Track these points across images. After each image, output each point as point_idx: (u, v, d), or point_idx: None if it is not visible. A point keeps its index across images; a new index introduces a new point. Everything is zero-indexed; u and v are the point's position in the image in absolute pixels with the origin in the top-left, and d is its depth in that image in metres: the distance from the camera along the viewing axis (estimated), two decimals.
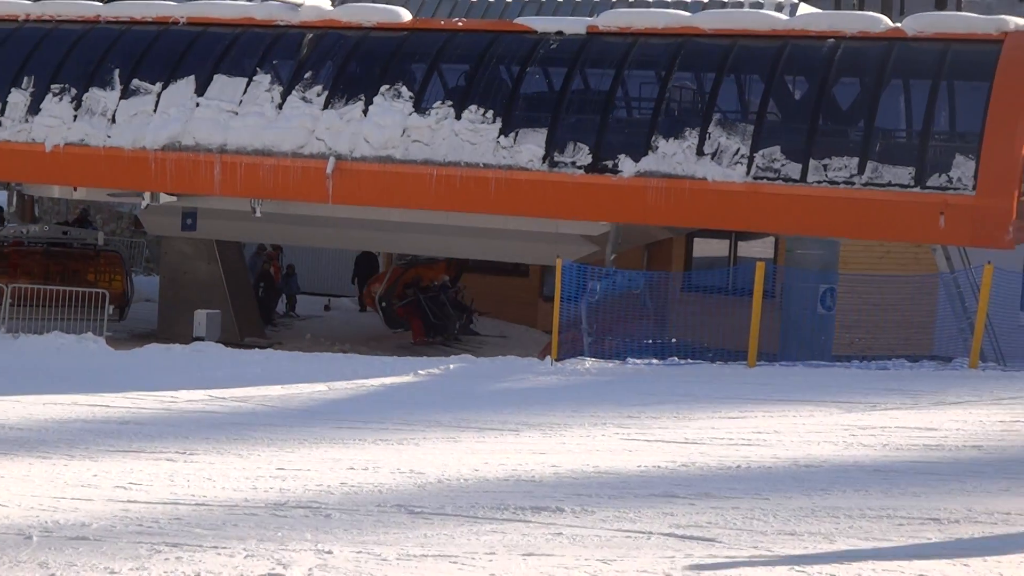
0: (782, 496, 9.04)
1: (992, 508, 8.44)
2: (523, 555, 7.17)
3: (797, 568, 6.58)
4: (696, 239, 23.73)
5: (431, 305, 24.46)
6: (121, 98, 22.43)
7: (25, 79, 23.46)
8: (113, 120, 22.32)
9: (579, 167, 20.26)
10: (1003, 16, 21.59)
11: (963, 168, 19.11)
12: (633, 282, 22.18)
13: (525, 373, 17.97)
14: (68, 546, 7.00)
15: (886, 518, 8.20)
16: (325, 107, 21.58)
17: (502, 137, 20.59)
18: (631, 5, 25.50)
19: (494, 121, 20.71)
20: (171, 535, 7.61)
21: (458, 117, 20.81)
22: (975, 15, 23.22)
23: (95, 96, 22.71)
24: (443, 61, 22.11)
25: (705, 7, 24.23)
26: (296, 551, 7.21)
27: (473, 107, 20.82)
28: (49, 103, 23.08)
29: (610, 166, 20.16)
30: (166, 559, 6.90)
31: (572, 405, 14.74)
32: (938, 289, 21.25)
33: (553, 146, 20.47)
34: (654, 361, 19.05)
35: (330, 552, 7.18)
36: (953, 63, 20.01)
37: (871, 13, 23.39)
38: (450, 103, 21.14)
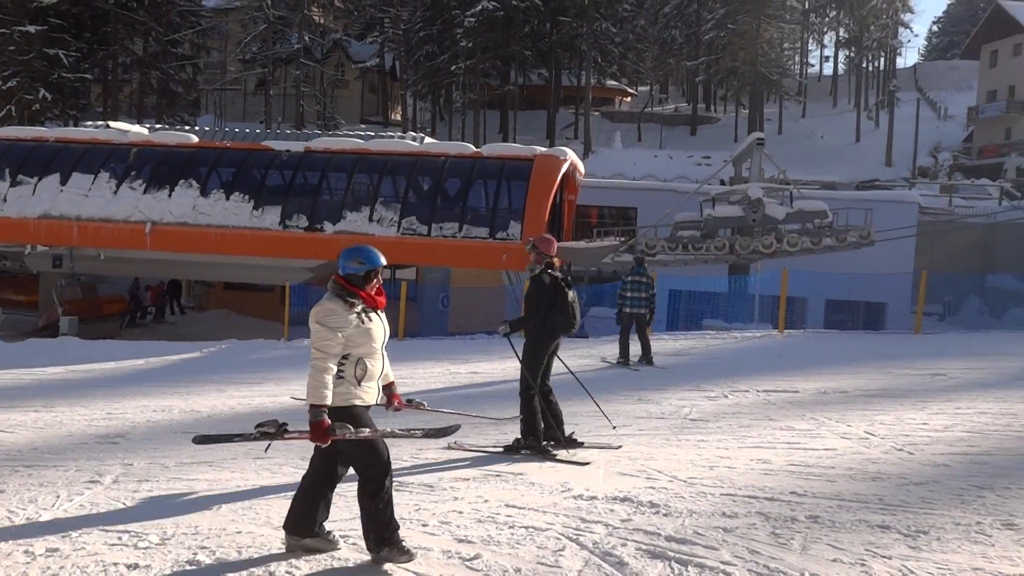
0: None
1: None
2: (254, 459, 7.34)
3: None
4: None
5: None
6: (10, 186, 23.07)
7: None
8: (4, 200, 22.92)
9: (300, 228, 22.26)
10: (533, 146, 24.59)
11: (515, 228, 21.97)
12: None
13: (268, 349, 18.25)
14: None
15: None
16: (144, 192, 22.70)
17: (254, 211, 22.34)
18: (331, 136, 27.04)
19: (249, 201, 22.43)
20: (27, 460, 7.48)
21: (228, 199, 22.46)
22: (520, 145, 26.21)
23: None
24: (218, 166, 23.36)
25: (373, 138, 25.77)
26: (109, 464, 7.17)
27: (236, 193, 22.56)
28: None
29: (318, 227, 22.22)
30: (21, 474, 6.86)
31: (296, 366, 14.73)
32: (505, 293, 23.35)
33: (285, 216, 22.33)
34: None
35: (131, 464, 7.21)
36: (509, 171, 22.82)
37: (464, 143, 26.12)
38: (223, 190, 22.64)
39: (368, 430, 4.55)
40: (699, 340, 17.07)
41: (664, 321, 23.54)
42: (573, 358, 15.08)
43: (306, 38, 54.21)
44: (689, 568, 4.52)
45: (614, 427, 8.29)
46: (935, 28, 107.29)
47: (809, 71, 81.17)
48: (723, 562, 4.59)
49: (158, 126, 33.09)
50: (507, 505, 5.70)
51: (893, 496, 5.83)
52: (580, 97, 56.62)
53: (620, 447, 7.57)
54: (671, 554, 4.71)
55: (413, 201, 22.84)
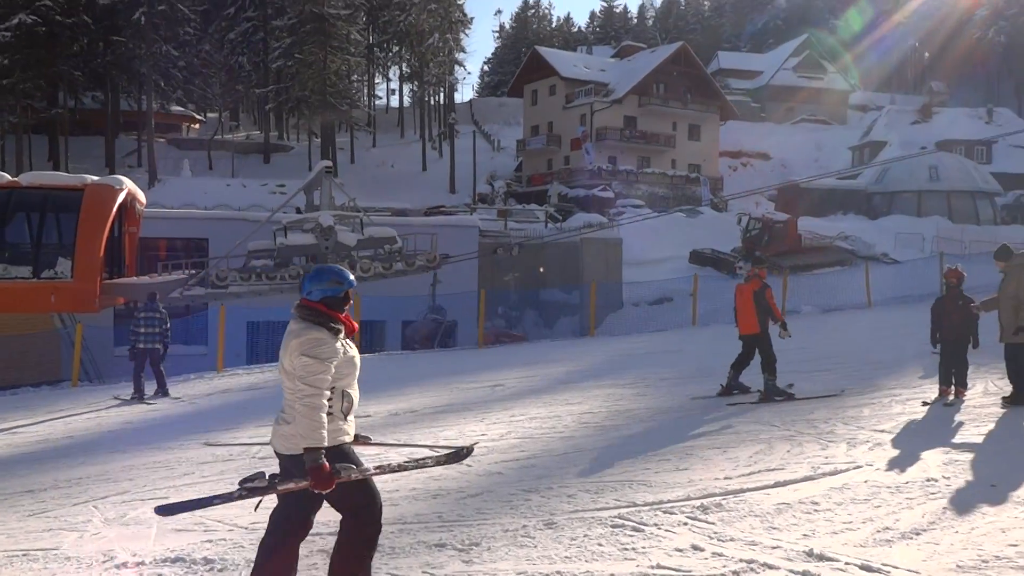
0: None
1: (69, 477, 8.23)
2: None
3: None
4: None
5: None
6: None
7: None
8: None
9: None
10: (83, 175, 22.55)
11: (65, 265, 20.41)
12: None
13: None
14: None
15: None
16: None
17: None
18: None
19: None
20: None
21: None
22: (67, 174, 24.16)
23: None
24: None
25: None
26: None
27: None
28: None
29: None
30: None
31: None
32: (59, 338, 21.88)
33: None
34: None
35: None
36: (55, 203, 21.05)
37: None
38: None
39: (371, 467, 4.24)
40: (276, 373, 16.61)
41: (243, 355, 23.07)
42: (91, 403, 14.26)
43: None
44: None
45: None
46: (486, 68, 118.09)
47: (377, 103, 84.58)
48: None
49: None
50: None
51: (451, 511, 6.00)
52: (142, 123, 53.03)
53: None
54: None
55: None
